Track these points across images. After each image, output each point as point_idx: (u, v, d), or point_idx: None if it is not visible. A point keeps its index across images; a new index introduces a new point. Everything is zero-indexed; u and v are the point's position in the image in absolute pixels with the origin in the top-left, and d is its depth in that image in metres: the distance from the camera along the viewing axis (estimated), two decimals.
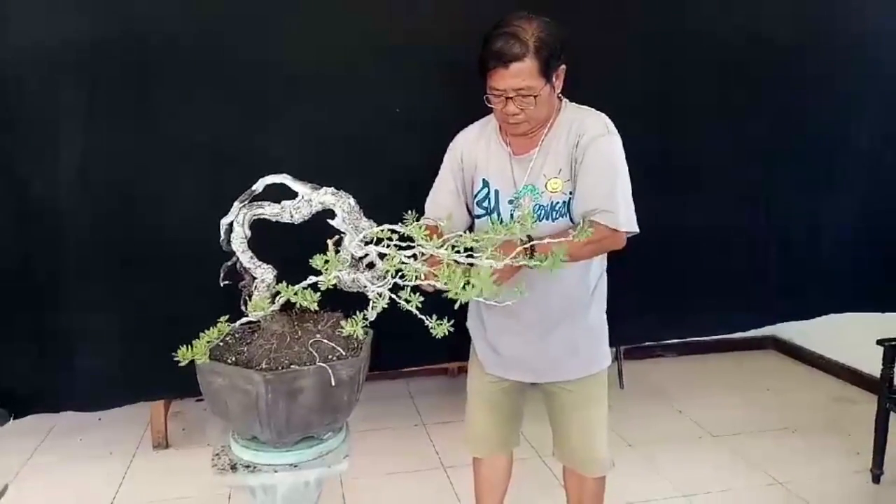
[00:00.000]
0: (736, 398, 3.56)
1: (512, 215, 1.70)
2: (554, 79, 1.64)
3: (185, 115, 1.97)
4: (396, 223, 1.39)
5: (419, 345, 2.03)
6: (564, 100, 1.76)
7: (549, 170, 1.71)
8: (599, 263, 1.84)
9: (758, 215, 2.60)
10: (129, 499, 2.64)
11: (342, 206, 1.44)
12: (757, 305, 2.71)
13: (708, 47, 2.40)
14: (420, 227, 1.35)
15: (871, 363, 2.87)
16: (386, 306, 1.30)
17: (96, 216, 1.94)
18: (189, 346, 1.32)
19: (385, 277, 1.35)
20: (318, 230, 1.43)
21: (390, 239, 1.37)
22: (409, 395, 3.60)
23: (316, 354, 1.40)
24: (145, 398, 2.54)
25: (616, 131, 1.71)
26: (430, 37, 2.09)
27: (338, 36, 2.04)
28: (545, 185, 1.70)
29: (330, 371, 1.37)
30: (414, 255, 1.34)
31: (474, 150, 1.81)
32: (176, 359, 1.31)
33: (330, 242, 1.44)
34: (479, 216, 1.81)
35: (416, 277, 1.29)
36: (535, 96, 1.61)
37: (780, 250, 2.65)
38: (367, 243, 1.42)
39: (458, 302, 1.22)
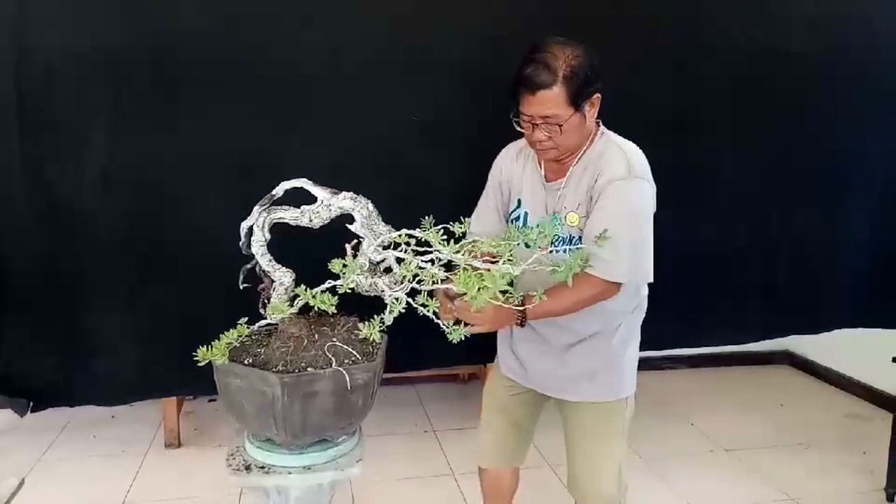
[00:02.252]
0: (749, 412, 3.53)
1: (527, 245, 1.61)
2: (586, 107, 1.61)
3: (209, 121, 2.00)
4: (414, 228, 1.40)
5: (432, 347, 2.06)
6: (602, 128, 1.72)
7: (570, 202, 1.69)
8: (636, 291, 1.81)
9: (769, 229, 2.59)
10: (141, 497, 2.66)
11: (361, 210, 1.46)
12: (767, 318, 2.70)
13: (722, 62, 2.40)
14: (438, 232, 1.36)
15: (887, 380, 2.84)
16: (403, 310, 1.31)
17: (118, 217, 1.98)
18: (208, 347, 1.33)
19: (402, 282, 1.36)
20: (337, 234, 1.45)
21: (408, 244, 1.38)
22: (420, 400, 3.60)
23: (332, 358, 1.42)
24: (160, 395, 2.55)
25: (643, 174, 1.65)
26: (447, 44, 2.11)
27: (357, 43, 2.07)
28: (565, 217, 1.70)
29: (346, 375, 1.38)
30: (431, 261, 1.35)
31: (513, 168, 1.82)
32: (195, 359, 1.32)
33: (348, 247, 1.45)
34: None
35: (433, 288, 1.29)
36: (559, 125, 1.59)
37: (791, 264, 2.64)
38: (384, 248, 1.43)
39: (474, 307, 1.22)
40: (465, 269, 1.27)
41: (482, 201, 1.87)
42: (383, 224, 1.46)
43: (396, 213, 1.49)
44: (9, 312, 1.95)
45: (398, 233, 1.40)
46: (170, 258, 2.00)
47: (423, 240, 1.38)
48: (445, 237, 1.36)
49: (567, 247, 1.68)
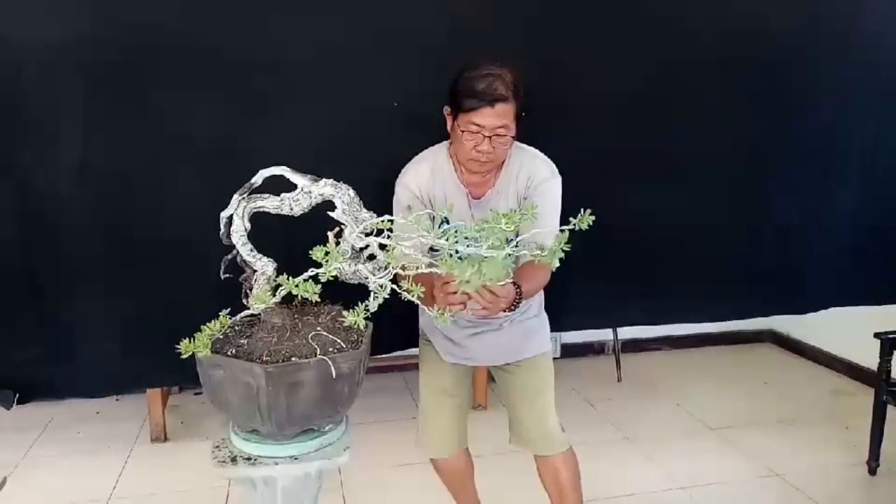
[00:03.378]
0: (734, 391, 3.57)
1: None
2: (518, 125, 1.73)
3: (184, 110, 1.96)
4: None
5: (417, 329, 2.05)
6: (513, 142, 1.81)
7: (503, 209, 1.72)
8: None
9: (754, 210, 2.60)
10: (128, 492, 2.64)
11: (342, 197, 1.43)
12: (753, 298, 2.72)
13: (703, 43, 2.39)
14: (421, 220, 1.34)
15: (869, 356, 2.88)
16: (388, 296, 1.30)
17: (96, 209, 1.94)
18: (191, 339, 1.31)
19: (386, 268, 1.35)
20: (319, 222, 1.43)
21: (391, 230, 1.37)
22: (407, 387, 3.60)
23: (317, 347, 1.40)
24: (145, 386, 2.53)
25: (558, 174, 1.83)
26: (428, 31, 2.09)
27: (336, 31, 2.04)
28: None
29: (331, 364, 1.36)
30: (414, 246, 1.34)
31: (430, 189, 1.83)
32: (178, 350, 1.30)
33: (330, 234, 1.43)
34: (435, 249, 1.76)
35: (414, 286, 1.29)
36: (511, 136, 1.70)
37: (775, 245, 2.66)
38: (367, 234, 1.41)
39: (460, 291, 1.22)
40: (450, 254, 1.26)
41: (403, 227, 1.58)
42: (365, 210, 1.44)
43: (378, 201, 1.47)
44: None
45: (380, 219, 1.38)
46: (150, 248, 1.98)
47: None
48: (429, 222, 1.35)
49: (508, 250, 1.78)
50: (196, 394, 3.39)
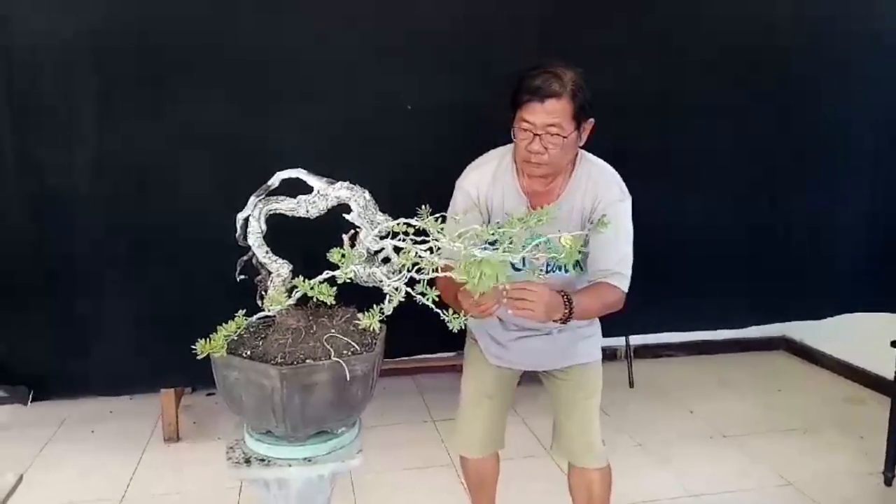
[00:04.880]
0: (747, 399, 3.54)
1: (524, 260, 1.67)
2: (581, 129, 1.68)
3: (201, 110, 1.98)
4: (407, 216, 1.39)
5: (431, 334, 2.05)
6: (581, 153, 1.77)
7: (564, 225, 1.69)
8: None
9: (768, 215, 2.59)
10: (141, 491, 2.66)
11: (357, 200, 1.44)
12: (766, 304, 2.70)
13: (715, 45, 2.38)
14: (436, 222, 1.34)
15: (883, 365, 2.85)
16: (402, 299, 1.30)
17: (112, 208, 1.96)
18: (207, 340, 1.32)
19: (401, 271, 1.35)
20: (334, 224, 1.44)
21: (406, 233, 1.37)
22: (419, 390, 3.60)
23: (331, 349, 1.40)
24: (160, 387, 2.54)
25: (629, 195, 1.77)
26: (438, 34, 2.09)
27: (352, 34, 2.05)
28: (559, 240, 1.62)
29: (345, 366, 1.36)
30: (430, 249, 1.34)
31: (490, 194, 1.80)
32: (193, 351, 1.31)
33: (345, 237, 1.44)
34: None
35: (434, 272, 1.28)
36: (563, 137, 1.63)
37: (789, 250, 2.64)
38: (382, 237, 1.41)
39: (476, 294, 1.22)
40: (465, 257, 1.26)
41: (455, 222, 1.67)
42: (380, 213, 1.45)
43: (393, 204, 1.47)
44: (8, 302, 1.95)
45: (395, 221, 1.38)
46: (166, 248, 1.99)
47: (420, 228, 1.36)
48: (443, 225, 1.35)
49: (562, 269, 1.76)
50: (209, 394, 3.41)
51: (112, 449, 2.95)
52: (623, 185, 1.78)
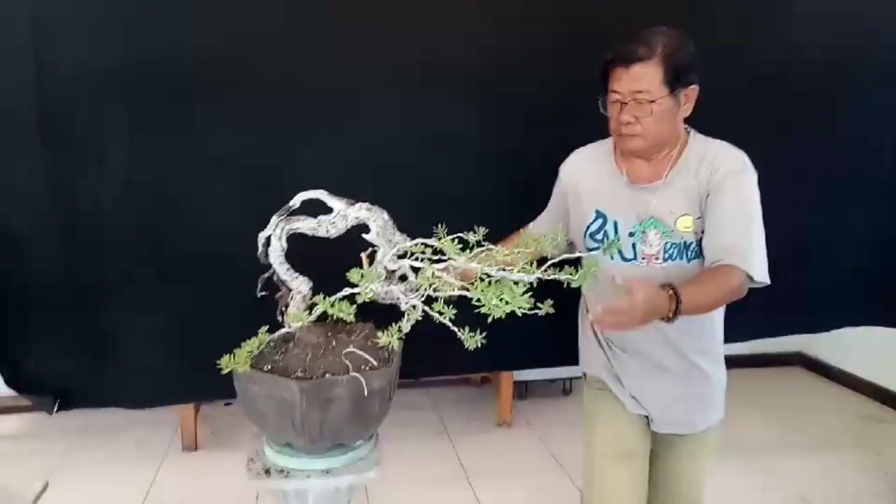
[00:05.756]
0: (762, 415, 3.53)
1: (634, 249, 1.60)
2: (682, 97, 1.52)
3: (224, 131, 2.03)
4: (429, 237, 1.43)
5: (447, 355, 2.09)
6: (693, 132, 1.62)
7: (677, 206, 1.56)
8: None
9: (772, 226, 2.59)
10: (160, 499, 2.71)
11: (376, 220, 1.49)
12: (770, 315, 2.68)
13: (730, 65, 2.39)
14: (452, 243, 1.38)
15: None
16: (420, 318, 1.34)
17: (139, 226, 2.02)
18: (231, 355, 1.36)
19: (418, 290, 1.39)
20: (352, 242, 1.48)
21: (423, 253, 1.41)
22: (433, 404, 3.63)
23: (349, 364, 1.44)
24: (184, 401, 2.58)
25: (753, 168, 1.55)
26: (460, 58, 2.14)
27: (370, 56, 2.10)
28: (675, 223, 1.56)
29: (363, 381, 1.40)
30: (446, 269, 1.38)
31: (580, 176, 1.70)
32: (218, 366, 1.35)
33: (364, 255, 1.48)
34: (592, 249, 1.65)
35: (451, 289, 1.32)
36: (651, 102, 1.48)
37: (793, 262, 2.62)
38: (400, 257, 1.45)
39: (491, 317, 1.24)
40: (480, 278, 1.29)
41: (547, 208, 1.80)
42: (399, 233, 1.49)
43: (408, 221, 1.51)
44: (37, 316, 2.01)
45: (413, 242, 1.42)
46: (190, 264, 2.04)
47: (437, 248, 1.40)
48: (460, 246, 1.39)
49: (682, 257, 1.56)
50: (226, 404, 3.45)
51: (131, 457, 3.01)
52: (746, 158, 1.56)
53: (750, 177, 1.54)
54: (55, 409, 2.09)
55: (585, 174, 1.68)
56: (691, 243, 1.56)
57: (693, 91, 1.54)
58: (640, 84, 1.48)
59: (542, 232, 1.67)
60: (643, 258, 1.59)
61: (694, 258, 1.56)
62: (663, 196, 1.57)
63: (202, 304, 2.02)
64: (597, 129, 1.99)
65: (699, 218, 1.54)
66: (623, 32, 1.67)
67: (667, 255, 1.57)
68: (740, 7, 2.31)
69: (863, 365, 3.78)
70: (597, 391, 1.75)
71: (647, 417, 1.71)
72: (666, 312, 1.34)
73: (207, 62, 2.00)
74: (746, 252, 1.47)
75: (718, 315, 1.70)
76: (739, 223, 1.50)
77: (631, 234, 1.60)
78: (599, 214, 1.64)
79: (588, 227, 1.66)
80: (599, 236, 1.64)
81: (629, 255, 1.60)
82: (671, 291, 1.35)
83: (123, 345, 2.06)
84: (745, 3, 2.34)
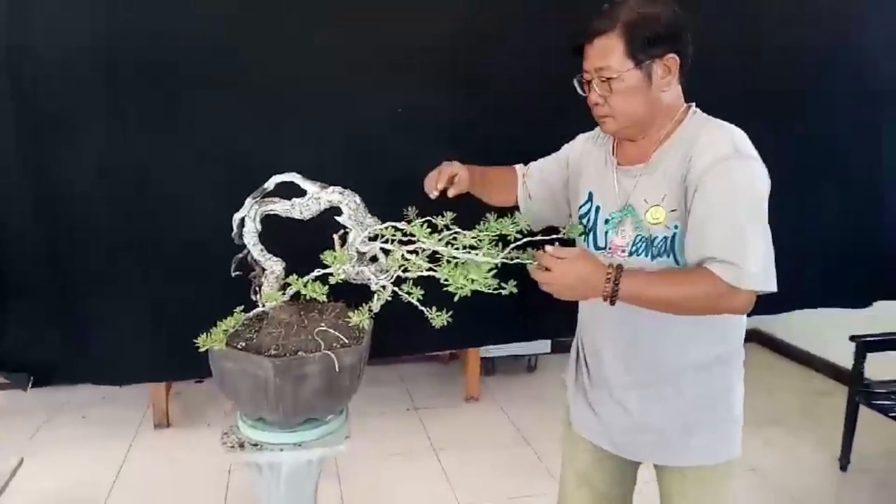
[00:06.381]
0: None
1: (606, 237, 1.45)
2: (655, 68, 1.33)
3: (197, 117, 2.04)
4: (399, 220, 1.48)
5: (417, 333, 2.15)
6: (693, 109, 1.41)
7: (651, 194, 1.37)
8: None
9: None
10: (132, 476, 2.74)
11: (349, 203, 1.53)
12: None
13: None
14: (422, 225, 1.44)
15: (847, 357, 3.00)
16: (390, 298, 1.40)
17: (115, 208, 2.02)
18: (208, 333, 1.41)
19: (388, 271, 1.45)
20: (325, 224, 1.53)
21: (393, 236, 1.46)
22: (402, 380, 3.71)
23: (321, 342, 1.50)
24: (157, 379, 2.61)
25: (752, 153, 1.31)
26: (434, 42, 2.17)
27: (343, 43, 2.12)
28: (644, 213, 1.38)
29: (334, 358, 1.46)
30: (415, 251, 1.44)
31: (584, 154, 1.57)
32: (194, 345, 1.40)
33: (336, 237, 1.53)
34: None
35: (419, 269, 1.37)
36: (611, 78, 1.33)
37: None
38: (371, 239, 1.51)
39: (457, 295, 1.30)
40: (447, 260, 1.36)
41: (547, 159, 1.68)
42: (370, 216, 1.54)
43: (382, 206, 1.56)
44: (12, 295, 2.02)
45: (384, 225, 1.48)
46: (164, 245, 2.06)
47: (407, 231, 1.46)
48: (429, 229, 1.45)
49: (647, 254, 1.37)
50: (197, 381, 3.48)
51: (104, 434, 3.04)
52: (743, 141, 1.31)
53: (743, 164, 1.28)
54: (30, 385, 2.11)
55: (590, 153, 1.56)
56: (656, 238, 1.36)
57: (671, 61, 1.33)
58: (603, 60, 1.34)
59: (532, 174, 1.66)
60: (610, 248, 1.43)
61: (659, 256, 1.36)
62: (645, 181, 1.39)
63: (175, 283, 2.05)
64: (572, 114, 2.06)
65: (674, 210, 1.34)
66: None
67: (633, 249, 1.39)
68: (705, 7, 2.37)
69: (815, 342, 3.96)
70: (568, 406, 1.66)
71: (602, 446, 1.53)
72: (601, 292, 1.27)
73: (185, 47, 2.00)
74: (731, 255, 1.24)
75: (713, 333, 1.43)
76: (723, 220, 1.26)
77: (606, 222, 1.46)
78: (590, 197, 1.52)
79: (580, 207, 1.54)
80: (585, 220, 1.52)
81: (602, 243, 1.46)
82: (610, 272, 1.27)
83: (97, 323, 2.08)
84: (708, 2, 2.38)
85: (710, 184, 1.28)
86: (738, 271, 1.24)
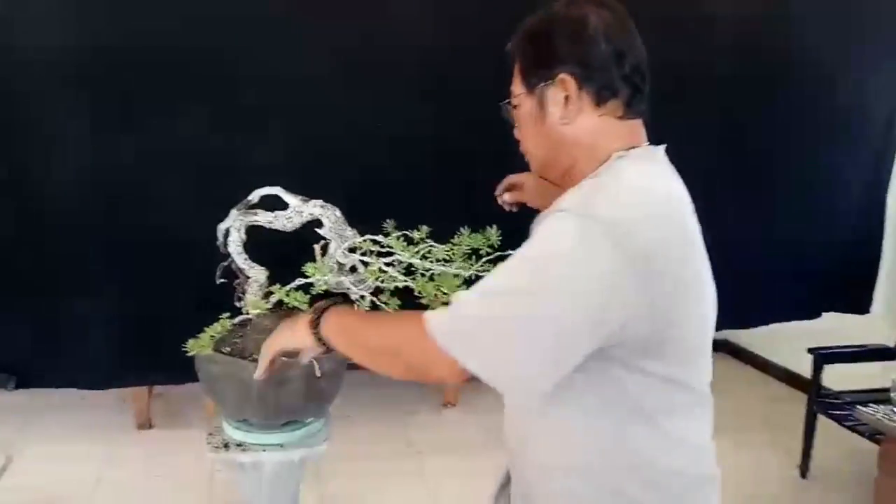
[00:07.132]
0: None
1: None
2: (547, 93, 1.03)
3: (175, 122, 2.10)
4: (377, 233, 1.57)
5: None
6: (619, 154, 1.02)
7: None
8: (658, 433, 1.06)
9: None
10: (114, 477, 2.77)
11: (329, 216, 1.62)
12: None
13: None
14: (399, 238, 1.53)
15: (807, 366, 3.13)
16: (368, 307, 1.49)
17: (96, 212, 2.07)
18: (195, 339, 1.49)
19: (366, 282, 1.54)
20: (306, 234, 1.61)
21: (371, 249, 1.56)
22: (382, 385, 3.77)
23: None
24: (139, 383, 2.66)
25: (606, 219, 0.91)
26: (415, 54, 2.25)
27: (323, 49, 2.19)
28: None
29: (315, 364, 1.55)
30: (391, 263, 1.53)
31: None
32: (178, 350, 1.47)
33: (317, 247, 1.62)
34: None
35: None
36: (515, 106, 1.10)
37: (717, 263, 2.85)
38: (350, 251, 1.60)
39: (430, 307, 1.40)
40: (421, 273, 1.45)
41: None
42: (349, 229, 1.63)
43: (362, 218, 1.64)
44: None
45: (363, 238, 1.57)
46: (149, 253, 2.12)
47: (384, 244, 1.55)
48: (406, 242, 1.54)
49: None
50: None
51: (86, 435, 3.06)
52: (602, 205, 0.93)
53: (574, 221, 0.92)
54: (13, 385, 2.17)
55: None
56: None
57: (565, 82, 1.01)
58: (513, 84, 1.11)
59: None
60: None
61: None
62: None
63: (159, 290, 2.11)
64: None
65: None
66: None
67: None
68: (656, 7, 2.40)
69: (779, 352, 4.08)
70: None
71: None
72: (307, 322, 1.15)
73: (164, 49, 2.05)
74: (456, 297, 0.98)
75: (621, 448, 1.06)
76: (499, 268, 0.99)
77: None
78: None
79: None
80: None
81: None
82: (317, 314, 1.14)
83: (79, 328, 2.14)
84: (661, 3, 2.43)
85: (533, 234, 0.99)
86: (445, 310, 0.97)
